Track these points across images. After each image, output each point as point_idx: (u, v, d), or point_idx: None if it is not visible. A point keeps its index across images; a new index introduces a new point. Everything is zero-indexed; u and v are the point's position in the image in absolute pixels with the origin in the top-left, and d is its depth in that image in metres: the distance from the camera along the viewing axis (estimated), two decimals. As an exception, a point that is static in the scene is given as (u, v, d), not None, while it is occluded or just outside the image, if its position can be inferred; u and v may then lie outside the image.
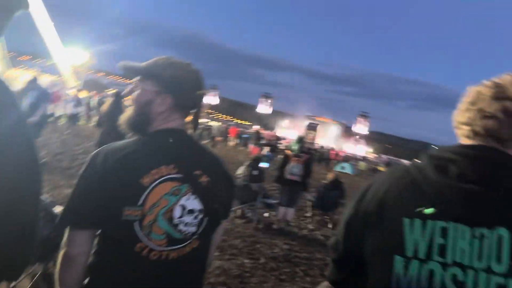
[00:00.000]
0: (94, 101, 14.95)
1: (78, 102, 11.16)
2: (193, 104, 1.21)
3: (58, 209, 2.18)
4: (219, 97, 66.96)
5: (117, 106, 5.24)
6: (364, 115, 63.21)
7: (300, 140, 5.86)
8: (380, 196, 0.95)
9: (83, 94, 15.64)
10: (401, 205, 0.91)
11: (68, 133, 11.02)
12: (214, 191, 1.19)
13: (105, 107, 5.25)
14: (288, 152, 5.86)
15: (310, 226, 6.27)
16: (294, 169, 5.55)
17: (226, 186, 1.24)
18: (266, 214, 6.24)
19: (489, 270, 0.82)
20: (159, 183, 1.10)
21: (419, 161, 0.98)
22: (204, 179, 1.18)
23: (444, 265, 0.84)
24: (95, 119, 13.41)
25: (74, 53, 16.96)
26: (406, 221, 0.89)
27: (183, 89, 1.19)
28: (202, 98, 1.23)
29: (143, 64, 1.21)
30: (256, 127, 26.52)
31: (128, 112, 1.21)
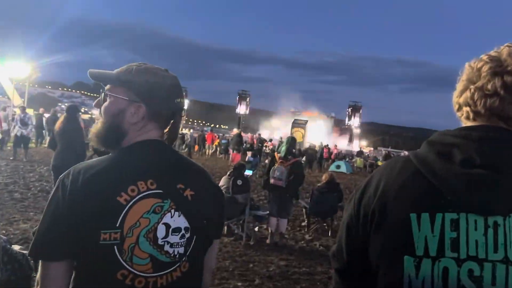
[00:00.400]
0: (43, 119, 14.65)
1: (25, 121, 10.75)
2: (170, 113, 1.21)
3: (15, 248, 2.09)
4: (190, 101, 66.72)
5: (72, 122, 5.15)
6: (355, 105, 64.20)
7: (289, 141, 5.91)
8: (381, 192, 0.96)
9: (30, 112, 15.19)
10: (405, 199, 0.91)
11: (18, 159, 10.83)
12: (200, 206, 1.18)
13: (58, 124, 5.15)
14: (276, 155, 5.89)
15: (307, 237, 6.28)
16: (276, 172, 5.60)
17: (215, 200, 1.24)
18: (256, 229, 6.23)
19: (507, 261, 0.82)
20: (138, 200, 1.09)
21: (420, 150, 0.99)
22: (188, 193, 1.17)
23: (458, 261, 0.84)
24: (47, 139, 13.34)
25: (14, 66, 16.50)
26: (413, 216, 0.89)
27: (158, 97, 1.19)
28: (181, 106, 1.23)
29: (115, 71, 1.22)
30: (235, 131, 26.55)
31: (97, 126, 1.20)
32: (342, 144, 67.79)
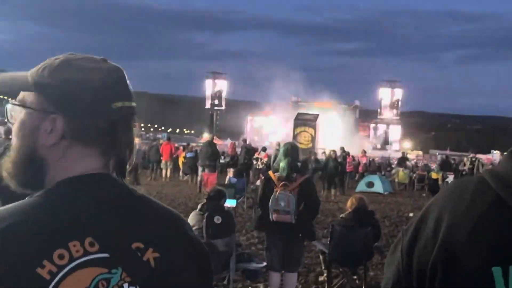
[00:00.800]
0: None
1: None
2: (107, 125, 1.16)
3: None
4: (135, 93, 67.71)
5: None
6: (390, 87, 64.86)
7: (288, 151, 5.94)
8: (444, 235, 0.98)
9: None
10: (483, 246, 0.94)
11: None
12: (170, 275, 1.15)
13: None
14: (272, 174, 5.93)
15: (330, 298, 6.44)
16: (280, 202, 5.64)
17: (194, 265, 1.20)
18: (249, 291, 6.31)
19: None
20: (70, 272, 1.06)
21: (500, 165, 1.01)
22: (150, 255, 1.14)
23: None
24: None
25: None
26: (497, 271, 0.91)
27: (82, 103, 1.16)
28: (124, 112, 1.19)
29: (29, 72, 1.19)
30: (206, 137, 26.44)
31: (10, 156, 1.18)
32: (373, 148, 68.89)
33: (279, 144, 21.54)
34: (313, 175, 17.18)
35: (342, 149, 22.58)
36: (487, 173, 1.00)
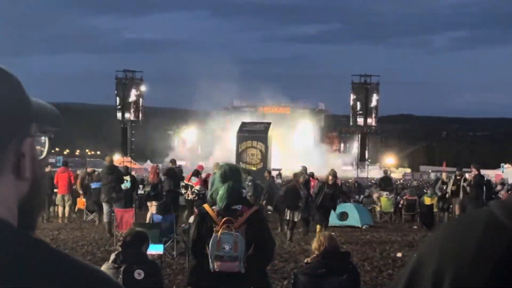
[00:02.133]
0: None
1: None
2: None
3: None
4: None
5: None
6: (366, 84, 65.56)
7: (227, 172, 5.98)
8: None
9: None
10: None
11: None
12: None
13: None
14: (208, 208, 5.92)
15: None
16: (224, 245, 5.65)
17: None
18: None
19: None
20: None
21: None
22: None
23: None
24: None
25: None
26: None
27: None
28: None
29: None
30: (116, 159, 25.80)
31: None
32: (345, 166, 69.82)
33: (218, 164, 21.61)
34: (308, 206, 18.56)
35: (304, 169, 22.74)
36: (497, 206, 1.00)
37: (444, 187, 22.69)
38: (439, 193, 22.71)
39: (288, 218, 18.58)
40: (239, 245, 5.65)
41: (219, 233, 5.68)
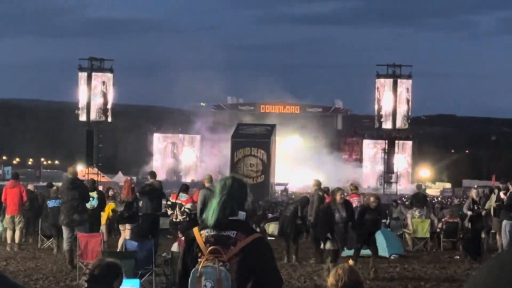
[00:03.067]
0: None
1: None
2: None
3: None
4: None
5: None
6: (395, 71, 65.03)
7: (228, 186, 5.98)
8: None
9: None
10: None
11: None
12: None
13: None
14: (197, 233, 5.91)
15: None
16: (205, 283, 5.63)
17: None
18: None
19: None
20: None
21: None
22: None
23: None
24: None
25: None
26: None
27: None
28: None
29: None
30: (79, 170, 25.77)
31: None
32: (367, 179, 69.51)
33: (210, 179, 21.56)
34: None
35: (317, 184, 22.78)
36: None
37: (475, 207, 22.58)
38: (469, 214, 22.59)
39: (327, 248, 18.52)
40: (224, 283, 5.63)
41: (200, 266, 5.69)
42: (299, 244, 21.37)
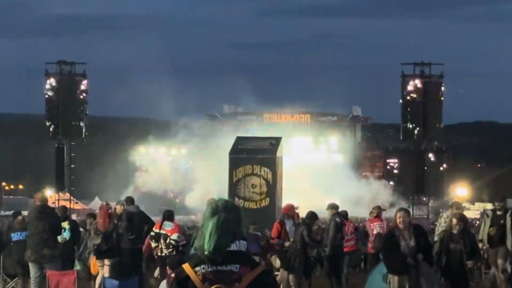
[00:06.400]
0: None
1: None
2: None
3: None
4: None
5: None
6: (423, 70, 64.46)
7: (220, 212, 6.05)
8: None
9: None
10: None
11: None
12: None
13: None
14: (189, 269, 5.95)
15: None
16: None
17: None
18: None
19: None
20: None
21: None
22: None
23: None
24: None
25: None
26: None
27: None
28: None
29: None
30: (38, 196, 25.88)
31: None
32: (394, 199, 69.32)
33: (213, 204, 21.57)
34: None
35: (333, 206, 22.86)
36: None
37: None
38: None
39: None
40: None
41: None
42: (311, 279, 21.40)
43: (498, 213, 21.12)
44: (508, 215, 20.88)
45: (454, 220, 16.67)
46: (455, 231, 16.51)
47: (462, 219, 16.98)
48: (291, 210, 22.69)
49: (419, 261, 15.97)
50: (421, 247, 16.03)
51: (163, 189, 72.34)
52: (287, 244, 21.45)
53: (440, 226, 21.49)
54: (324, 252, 21.70)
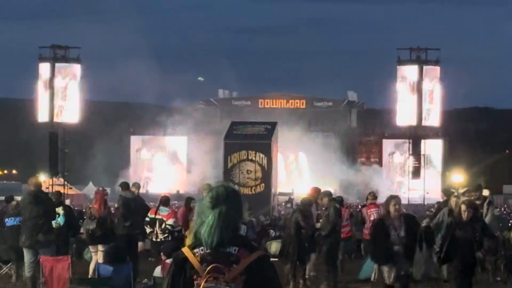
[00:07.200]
0: None
1: None
2: None
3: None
4: None
5: None
6: (420, 56, 64.15)
7: (221, 197, 6.01)
8: None
9: None
10: None
11: None
12: None
13: None
14: (188, 252, 5.92)
15: None
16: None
17: None
18: None
19: None
20: None
21: None
22: None
23: None
24: None
25: None
26: None
27: None
28: None
29: None
30: (33, 181, 25.78)
31: None
32: (390, 186, 69.41)
33: (209, 187, 21.49)
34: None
35: (327, 194, 22.83)
36: None
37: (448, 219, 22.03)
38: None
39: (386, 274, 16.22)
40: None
41: (201, 287, 5.70)
42: (307, 266, 21.40)
43: (477, 202, 20.70)
44: (485, 203, 21.07)
45: (463, 206, 16.09)
46: (464, 217, 15.90)
47: (472, 205, 16.38)
48: (315, 194, 22.57)
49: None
50: (411, 238, 15.74)
51: (157, 176, 72.28)
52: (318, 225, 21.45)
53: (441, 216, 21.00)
54: (321, 236, 21.58)
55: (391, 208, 15.91)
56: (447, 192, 26.09)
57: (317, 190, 22.96)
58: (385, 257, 15.79)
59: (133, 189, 22.76)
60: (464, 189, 21.38)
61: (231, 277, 5.69)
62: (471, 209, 15.98)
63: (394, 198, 16.42)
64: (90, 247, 20.19)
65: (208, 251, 5.75)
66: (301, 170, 72.63)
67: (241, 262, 5.74)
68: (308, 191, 22.83)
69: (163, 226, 20.37)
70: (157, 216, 20.74)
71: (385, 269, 15.68)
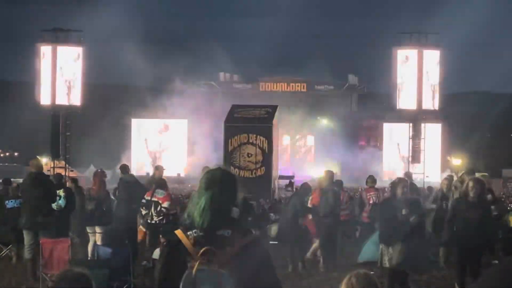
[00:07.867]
0: None
1: None
2: None
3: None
4: None
5: None
6: (419, 40, 64.06)
7: (216, 179, 6.01)
8: None
9: None
10: None
11: None
12: None
13: None
14: (181, 235, 5.92)
15: None
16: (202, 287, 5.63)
17: None
18: None
19: None
20: None
21: None
22: None
23: None
24: None
25: None
26: None
27: None
28: None
29: None
30: (34, 163, 25.82)
31: None
32: (389, 170, 69.55)
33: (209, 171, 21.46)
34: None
35: (329, 175, 22.81)
36: None
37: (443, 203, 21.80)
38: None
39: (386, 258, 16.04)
40: (224, 285, 5.66)
41: (194, 270, 5.70)
42: (305, 252, 21.39)
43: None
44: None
45: (471, 183, 15.34)
46: (471, 196, 15.24)
47: (479, 182, 15.56)
48: (329, 179, 22.44)
49: (413, 231, 15.46)
50: (415, 220, 15.52)
51: (157, 159, 72.28)
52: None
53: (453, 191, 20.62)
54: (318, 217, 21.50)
55: (399, 191, 15.82)
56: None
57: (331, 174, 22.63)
58: (391, 237, 15.60)
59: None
60: (461, 173, 21.28)
61: (224, 260, 5.69)
62: (479, 186, 15.29)
63: (402, 181, 16.44)
64: (87, 228, 20.17)
65: (201, 233, 5.77)
66: (302, 153, 72.81)
67: (234, 244, 5.75)
68: (323, 174, 22.66)
69: (158, 208, 20.35)
70: (153, 199, 20.72)
71: (390, 250, 15.45)
